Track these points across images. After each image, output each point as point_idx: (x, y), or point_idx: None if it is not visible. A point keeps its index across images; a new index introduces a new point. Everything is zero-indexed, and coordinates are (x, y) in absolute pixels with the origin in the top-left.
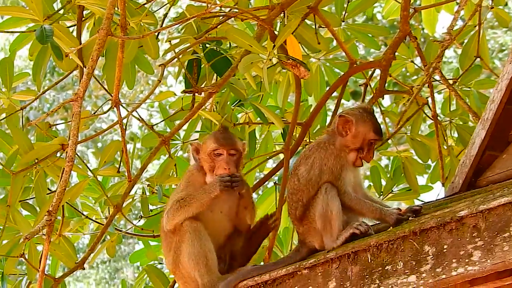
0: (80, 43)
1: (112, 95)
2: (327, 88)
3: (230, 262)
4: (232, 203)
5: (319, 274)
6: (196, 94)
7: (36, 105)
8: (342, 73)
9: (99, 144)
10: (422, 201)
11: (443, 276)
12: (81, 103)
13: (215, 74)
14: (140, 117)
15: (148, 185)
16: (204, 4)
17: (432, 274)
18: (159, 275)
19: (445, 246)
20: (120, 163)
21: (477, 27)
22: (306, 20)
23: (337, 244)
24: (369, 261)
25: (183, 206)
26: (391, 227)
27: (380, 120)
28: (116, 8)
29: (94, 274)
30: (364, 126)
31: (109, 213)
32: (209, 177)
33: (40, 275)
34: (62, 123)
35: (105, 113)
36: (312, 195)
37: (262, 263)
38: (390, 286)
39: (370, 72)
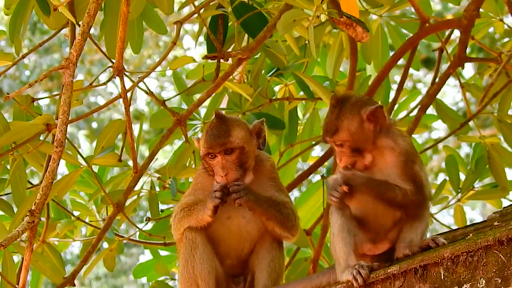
0: None
1: (113, 61)
2: (391, 54)
3: (253, 282)
4: None
5: None
6: (222, 60)
7: (12, 72)
8: (411, 34)
9: (94, 124)
10: (511, 200)
11: None
12: (74, 71)
13: (246, 35)
14: (149, 90)
15: (158, 178)
16: None
17: None
18: None
19: None
20: (122, 149)
21: None
22: None
23: (342, 279)
24: (442, 277)
25: (186, 216)
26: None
27: (460, 95)
28: None
29: None
30: None
31: (107, 214)
32: (214, 184)
33: None
34: (47, 97)
35: (105, 83)
36: None
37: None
38: None
39: (447, 34)
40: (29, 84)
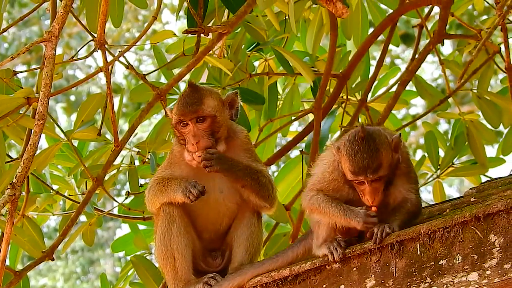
0: None
1: (94, 34)
2: (371, 30)
3: (230, 256)
4: None
5: (354, 269)
6: (202, 35)
7: None
8: (391, 10)
9: (72, 97)
10: (489, 177)
11: None
12: (56, 44)
13: (227, 10)
14: (129, 64)
15: (138, 152)
16: None
17: (499, 271)
18: (149, 269)
19: None
20: (102, 123)
21: None
22: None
23: (319, 254)
24: (419, 253)
25: (160, 190)
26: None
27: (439, 72)
28: None
29: (62, 267)
30: None
31: (86, 188)
32: (186, 154)
33: None
34: (28, 70)
35: (87, 57)
36: None
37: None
38: (444, 286)
39: (426, 10)
40: (11, 57)
